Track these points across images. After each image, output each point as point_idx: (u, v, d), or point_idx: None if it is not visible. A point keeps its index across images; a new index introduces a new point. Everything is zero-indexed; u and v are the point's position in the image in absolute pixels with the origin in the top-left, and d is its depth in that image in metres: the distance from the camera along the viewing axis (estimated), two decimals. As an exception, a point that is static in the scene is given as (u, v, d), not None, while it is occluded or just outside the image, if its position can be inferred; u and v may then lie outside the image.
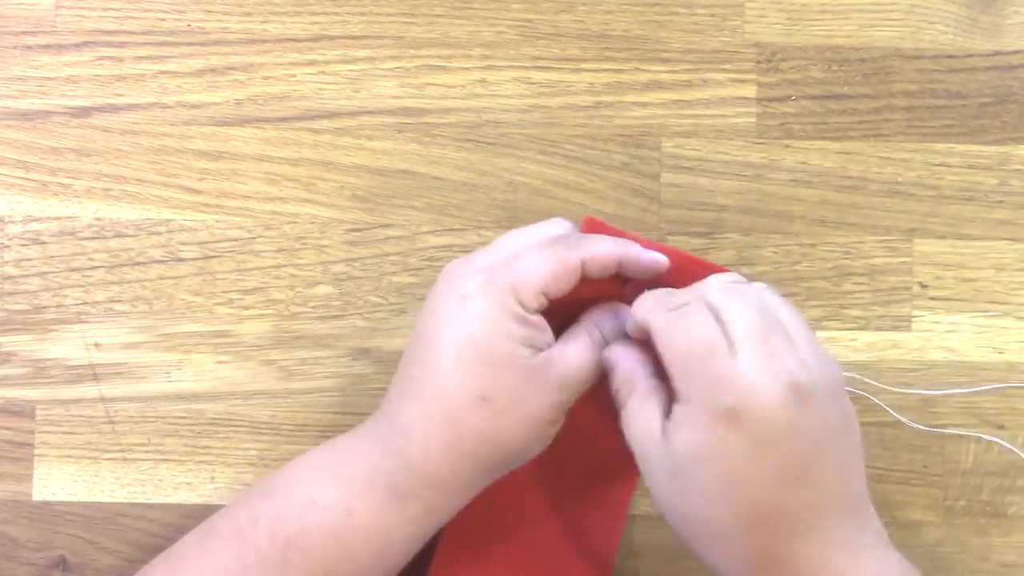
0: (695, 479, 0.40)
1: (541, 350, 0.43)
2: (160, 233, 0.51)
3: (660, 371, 0.42)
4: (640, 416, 0.42)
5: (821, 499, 0.39)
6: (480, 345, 0.41)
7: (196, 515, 0.50)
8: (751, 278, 0.50)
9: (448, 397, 0.42)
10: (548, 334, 0.43)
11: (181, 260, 0.51)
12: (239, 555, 0.42)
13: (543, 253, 0.43)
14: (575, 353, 0.43)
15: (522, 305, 0.42)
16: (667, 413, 0.41)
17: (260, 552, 0.41)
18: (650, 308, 0.42)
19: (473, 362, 0.41)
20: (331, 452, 0.44)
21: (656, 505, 0.42)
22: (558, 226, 0.45)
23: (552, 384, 0.42)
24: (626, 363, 0.43)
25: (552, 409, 0.42)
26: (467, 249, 0.51)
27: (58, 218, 0.51)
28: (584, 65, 0.51)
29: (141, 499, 0.50)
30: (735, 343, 0.40)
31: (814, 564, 0.39)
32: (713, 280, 0.43)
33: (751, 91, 0.51)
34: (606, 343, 0.44)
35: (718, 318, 0.40)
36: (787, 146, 0.51)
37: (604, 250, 0.44)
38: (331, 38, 0.52)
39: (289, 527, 0.42)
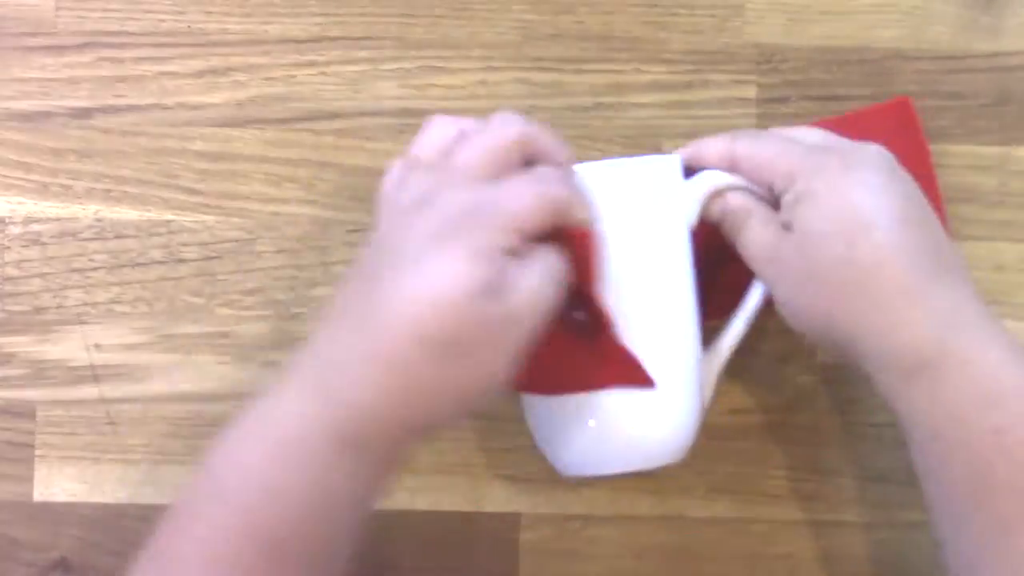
0: (824, 247, 0.41)
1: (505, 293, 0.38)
2: (161, 234, 0.51)
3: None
4: (763, 228, 0.44)
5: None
6: (447, 297, 0.36)
7: (197, 516, 0.50)
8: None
9: (402, 347, 0.37)
10: (514, 269, 0.38)
11: (182, 261, 0.51)
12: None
13: (529, 188, 0.38)
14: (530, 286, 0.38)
15: (499, 247, 0.37)
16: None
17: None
18: (728, 139, 0.45)
19: (437, 313, 0.37)
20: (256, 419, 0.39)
21: (789, 307, 0.43)
22: (509, 124, 0.40)
23: (513, 337, 0.38)
24: (736, 198, 0.45)
25: (512, 361, 0.39)
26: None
27: (59, 219, 0.51)
28: (585, 66, 0.51)
29: (142, 500, 0.50)
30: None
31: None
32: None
33: (751, 92, 0.51)
34: (560, 269, 0.40)
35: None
36: (787, 147, 0.51)
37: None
38: (332, 39, 0.52)
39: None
